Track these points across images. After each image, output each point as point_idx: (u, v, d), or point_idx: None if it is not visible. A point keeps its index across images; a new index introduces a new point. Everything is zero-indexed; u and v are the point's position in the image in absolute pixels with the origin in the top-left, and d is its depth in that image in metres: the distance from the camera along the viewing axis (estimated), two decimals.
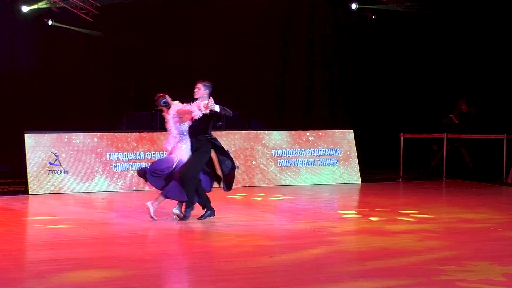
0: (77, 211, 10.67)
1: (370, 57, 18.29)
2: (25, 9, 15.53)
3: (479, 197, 12.43)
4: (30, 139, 12.65)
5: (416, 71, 18.11)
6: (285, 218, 10.18)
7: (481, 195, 12.73)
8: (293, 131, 14.43)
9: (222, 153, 9.47)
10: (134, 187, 12.98)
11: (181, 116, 9.24)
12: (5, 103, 15.78)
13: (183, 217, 9.33)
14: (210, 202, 9.50)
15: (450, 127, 16.24)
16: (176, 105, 9.35)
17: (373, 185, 14.42)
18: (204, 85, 9.32)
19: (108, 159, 12.97)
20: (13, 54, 15.81)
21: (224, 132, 14.04)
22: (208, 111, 9.02)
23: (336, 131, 14.82)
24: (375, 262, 6.89)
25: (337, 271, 6.62)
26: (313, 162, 14.37)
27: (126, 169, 13.04)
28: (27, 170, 12.49)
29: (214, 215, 9.52)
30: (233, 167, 9.47)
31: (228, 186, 9.54)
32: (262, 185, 13.84)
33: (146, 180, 9.44)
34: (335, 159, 14.56)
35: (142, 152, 13.23)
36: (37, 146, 12.66)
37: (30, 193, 12.38)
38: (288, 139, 14.28)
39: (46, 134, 12.85)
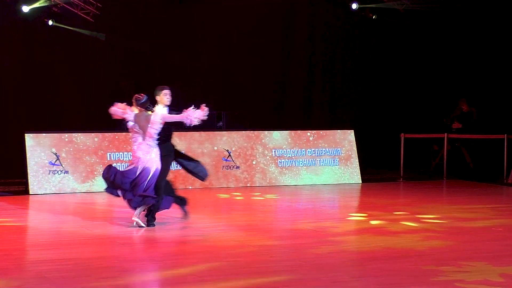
0: (77, 211, 10.67)
1: (371, 57, 18.26)
2: (25, 9, 15.50)
3: (479, 197, 12.42)
4: (31, 139, 12.65)
5: (417, 71, 18.08)
6: (285, 218, 10.18)
7: (482, 195, 12.72)
8: (293, 131, 14.42)
9: (183, 156, 9.51)
10: None
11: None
12: (5, 103, 15.75)
13: (143, 226, 8.84)
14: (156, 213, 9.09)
15: (450, 127, 16.23)
16: (157, 113, 9.05)
17: (373, 185, 14.41)
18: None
19: (108, 159, 12.96)
20: (13, 54, 15.79)
21: (224, 132, 14.03)
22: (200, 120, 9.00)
23: (337, 131, 14.81)
24: (375, 262, 6.89)
25: (338, 271, 6.62)
26: (313, 162, 14.36)
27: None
28: (28, 170, 12.49)
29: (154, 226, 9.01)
30: (197, 163, 9.47)
31: (201, 178, 9.51)
32: (262, 185, 13.84)
33: (106, 188, 9.03)
34: (336, 159, 14.55)
35: None
36: (38, 146, 12.66)
37: (30, 193, 12.38)
38: (289, 139, 14.27)
39: (47, 134, 12.85)
